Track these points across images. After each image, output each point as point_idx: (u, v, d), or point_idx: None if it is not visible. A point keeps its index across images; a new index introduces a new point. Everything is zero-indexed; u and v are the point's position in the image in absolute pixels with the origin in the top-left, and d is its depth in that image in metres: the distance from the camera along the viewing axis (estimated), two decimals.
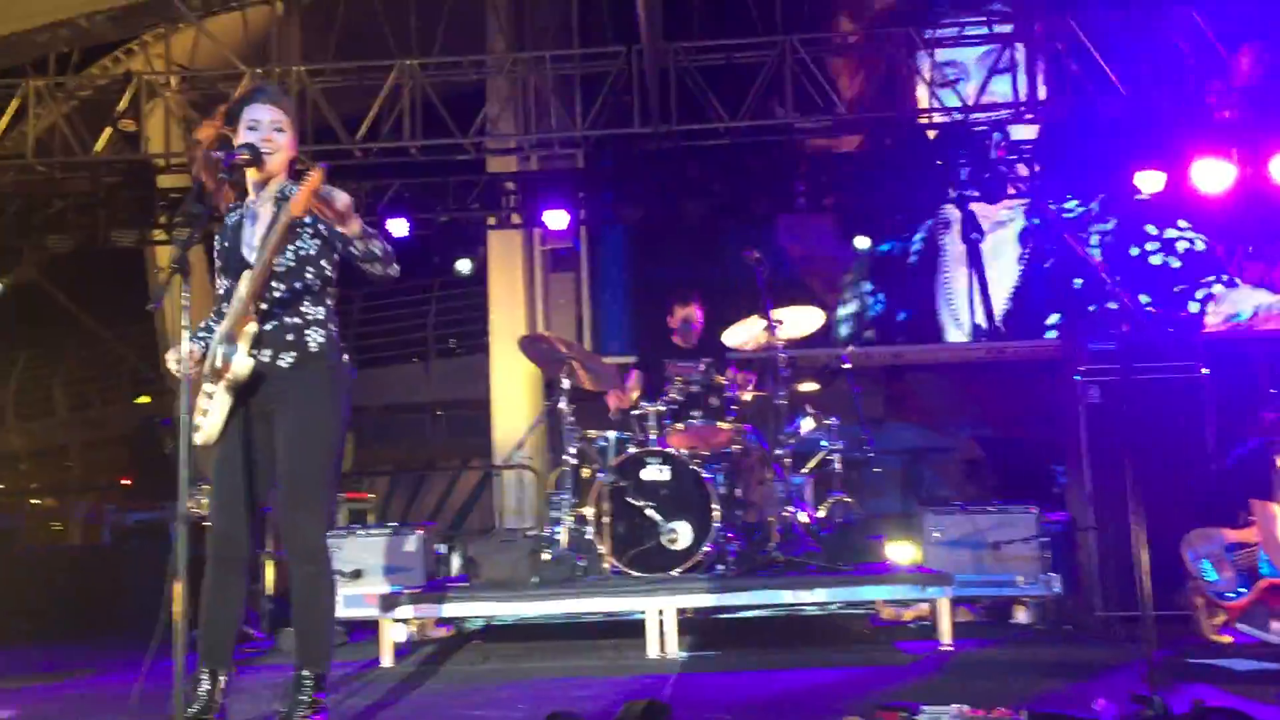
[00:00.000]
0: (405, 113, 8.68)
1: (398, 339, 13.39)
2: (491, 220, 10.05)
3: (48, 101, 9.01)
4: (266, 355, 3.64)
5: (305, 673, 3.67)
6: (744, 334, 6.98)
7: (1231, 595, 5.22)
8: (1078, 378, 6.56)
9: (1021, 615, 6.44)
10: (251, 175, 3.75)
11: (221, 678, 3.64)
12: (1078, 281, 9.84)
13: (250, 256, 3.65)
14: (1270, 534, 5.12)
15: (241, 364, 3.58)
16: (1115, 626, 5.66)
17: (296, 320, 3.68)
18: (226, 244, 3.77)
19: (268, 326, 3.64)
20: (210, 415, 3.63)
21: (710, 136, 8.77)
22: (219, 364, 3.60)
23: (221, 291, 3.76)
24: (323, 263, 3.73)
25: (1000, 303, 10.32)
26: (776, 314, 6.65)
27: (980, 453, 10.55)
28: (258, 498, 3.73)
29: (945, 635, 5.40)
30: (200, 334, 3.79)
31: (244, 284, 3.59)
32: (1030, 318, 10.13)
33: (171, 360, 3.64)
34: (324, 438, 3.68)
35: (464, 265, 10.54)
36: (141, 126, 9.01)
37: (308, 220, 3.61)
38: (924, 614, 6.21)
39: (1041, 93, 8.78)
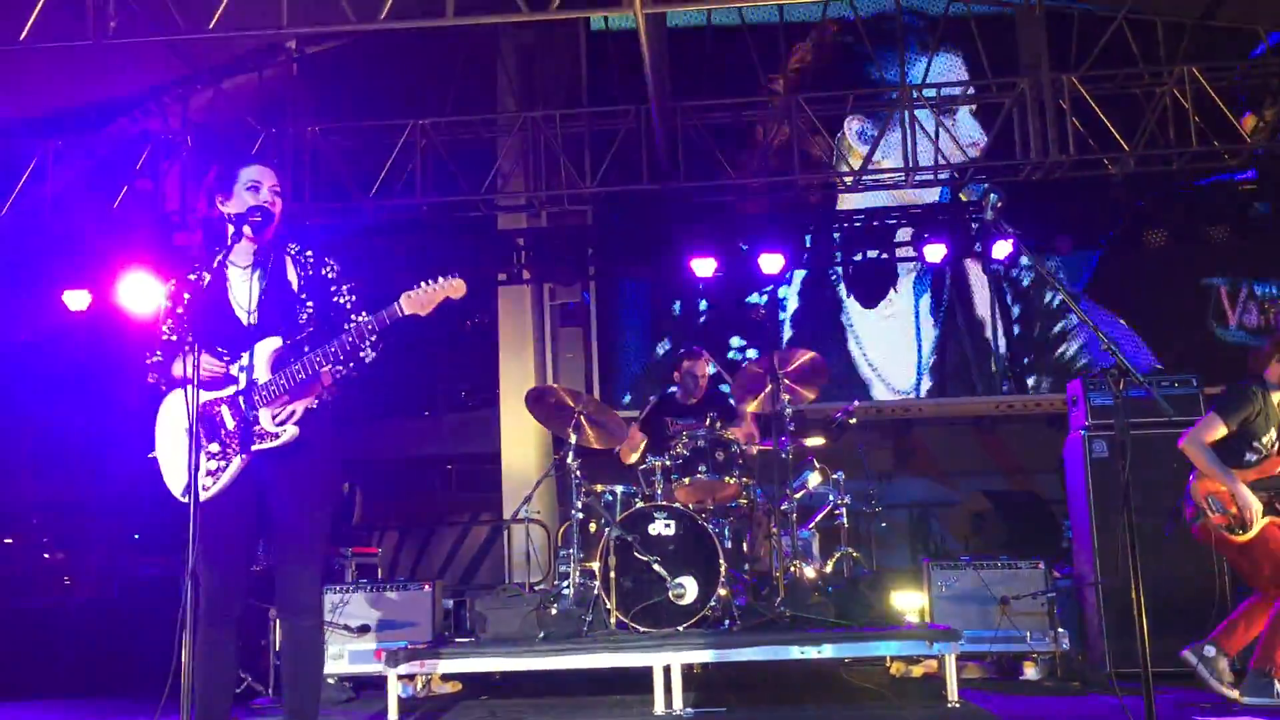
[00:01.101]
0: (417, 170, 8.82)
1: (408, 393, 13.45)
2: (502, 276, 10.16)
3: (66, 160, 9.17)
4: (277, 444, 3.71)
5: None
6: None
7: (1239, 530, 5.26)
8: (1083, 432, 6.59)
9: (1030, 671, 6.41)
10: (250, 236, 3.78)
11: None
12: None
13: (244, 319, 3.72)
14: None
15: (293, 432, 3.69)
16: (1120, 683, 5.62)
17: (316, 405, 3.80)
18: (209, 301, 3.76)
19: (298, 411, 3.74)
20: (218, 480, 3.67)
21: (718, 193, 8.91)
22: (240, 424, 3.65)
23: (213, 342, 3.72)
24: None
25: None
26: (776, 357, 6.70)
27: (988, 506, 10.52)
28: (250, 556, 3.78)
29: (953, 691, 5.39)
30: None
31: (268, 353, 3.67)
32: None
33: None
34: (324, 495, 3.76)
35: (474, 321, 10.65)
36: (158, 184, 9.16)
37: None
38: (933, 669, 6.19)
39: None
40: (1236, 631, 5.39)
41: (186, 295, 3.79)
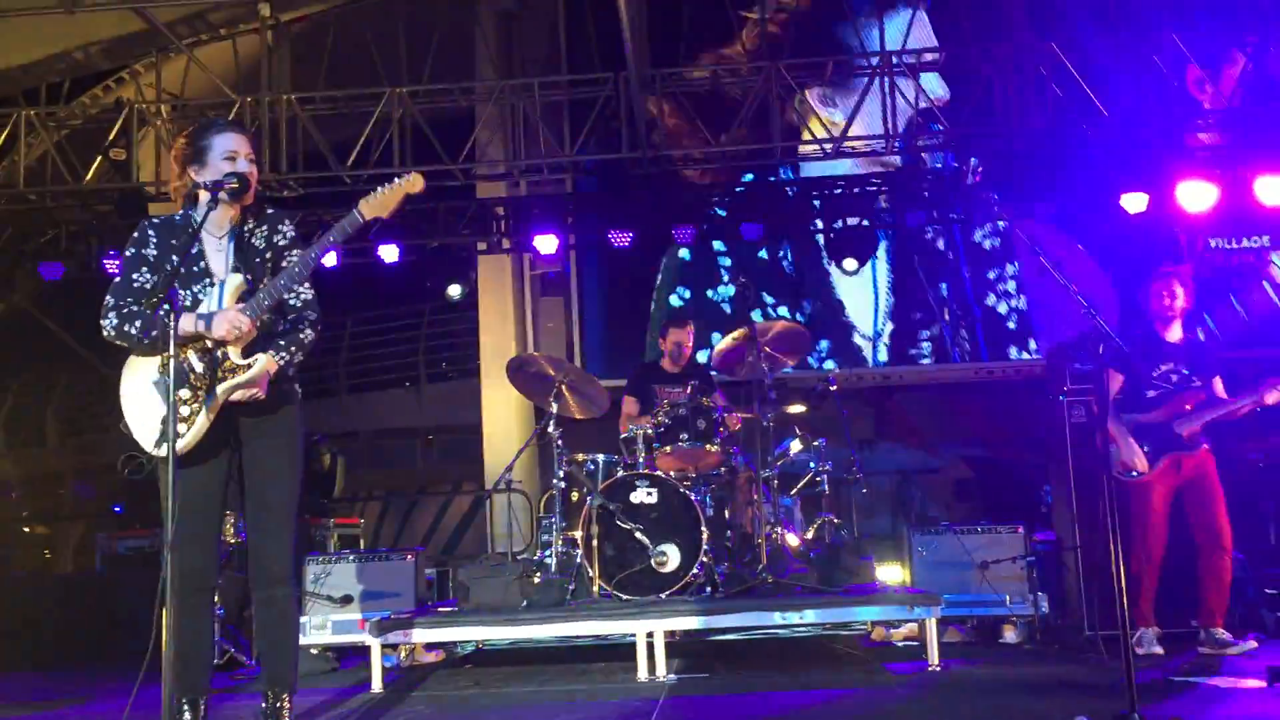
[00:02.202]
0: (395, 139, 8.75)
1: (389, 364, 13.41)
2: (482, 245, 10.12)
3: (39, 131, 9.07)
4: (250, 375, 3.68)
5: (282, 693, 3.74)
6: (729, 342, 7.04)
7: (1133, 475, 5.65)
8: (1062, 398, 6.63)
9: (1009, 634, 6.46)
10: (226, 202, 3.72)
11: (202, 706, 3.68)
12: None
13: (223, 275, 3.70)
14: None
15: (263, 361, 3.64)
16: (1100, 645, 5.69)
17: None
18: (174, 258, 3.67)
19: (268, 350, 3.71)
20: (190, 429, 3.63)
21: (697, 161, 8.89)
22: (209, 366, 3.62)
23: (168, 299, 3.54)
24: (304, 287, 3.80)
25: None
26: (761, 327, 6.72)
27: (968, 473, 10.59)
28: (222, 526, 3.78)
29: (933, 655, 5.43)
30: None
31: (235, 290, 3.64)
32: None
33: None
34: (295, 465, 3.75)
35: (454, 290, 10.57)
36: (132, 155, 9.07)
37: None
38: (913, 634, 6.23)
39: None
40: (1210, 602, 5.57)
41: (155, 253, 3.72)
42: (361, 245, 9.13)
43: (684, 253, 10.72)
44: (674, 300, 10.84)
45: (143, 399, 3.68)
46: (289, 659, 3.80)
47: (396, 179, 3.72)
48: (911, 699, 4.69)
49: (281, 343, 3.71)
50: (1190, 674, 5.00)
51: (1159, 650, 5.63)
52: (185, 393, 3.63)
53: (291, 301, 3.78)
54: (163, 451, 3.57)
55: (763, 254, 10.79)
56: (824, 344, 10.60)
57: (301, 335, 3.75)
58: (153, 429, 3.65)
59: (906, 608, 5.59)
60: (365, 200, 3.73)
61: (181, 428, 3.61)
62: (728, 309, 10.63)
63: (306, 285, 3.80)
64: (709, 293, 10.81)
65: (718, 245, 10.68)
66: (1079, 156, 8.84)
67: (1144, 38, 8.52)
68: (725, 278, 10.80)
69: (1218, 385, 5.72)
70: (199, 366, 3.64)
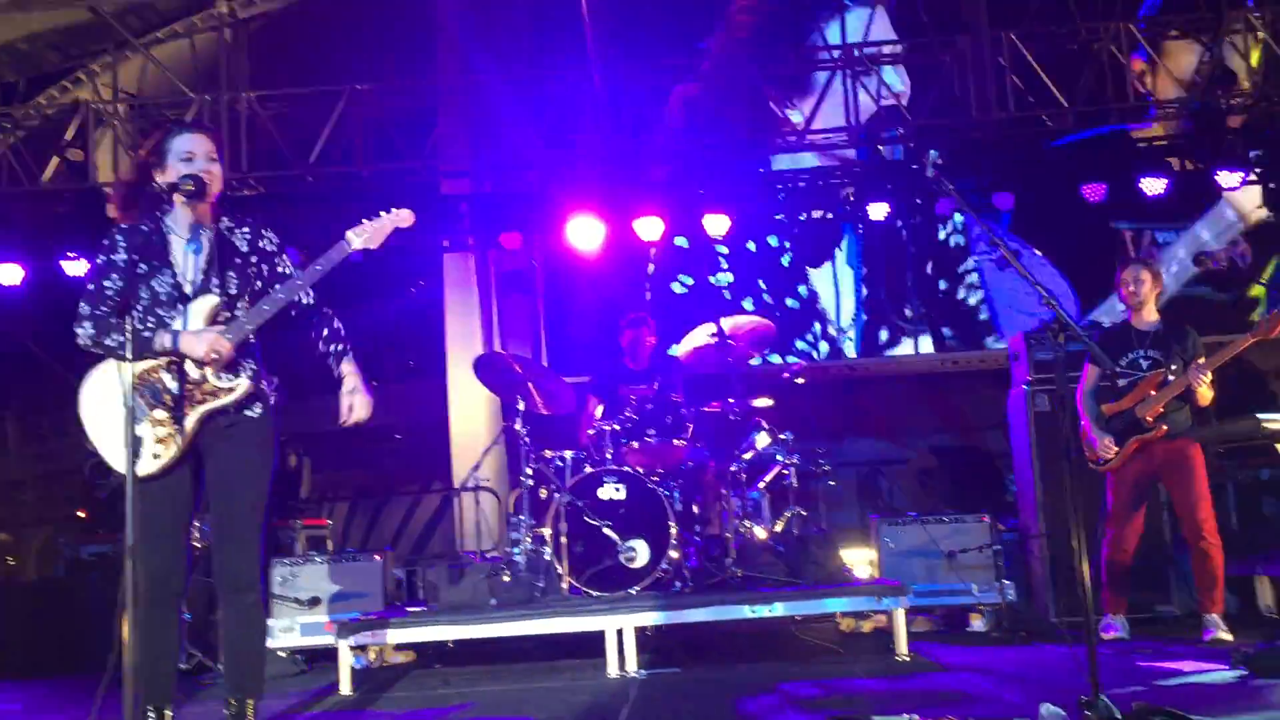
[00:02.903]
0: (356, 136, 8.68)
1: (354, 363, 13.29)
2: (446, 242, 10.06)
3: None
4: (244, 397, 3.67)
5: (247, 700, 3.71)
6: (693, 342, 7.06)
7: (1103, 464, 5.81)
8: (1026, 388, 6.68)
9: (977, 623, 6.52)
10: (189, 206, 3.70)
11: (167, 713, 3.65)
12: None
13: (187, 288, 3.66)
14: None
15: (245, 385, 3.62)
16: (1066, 631, 5.75)
17: (254, 366, 3.74)
18: (146, 268, 3.66)
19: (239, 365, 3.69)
20: (168, 448, 3.61)
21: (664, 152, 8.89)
22: (182, 385, 3.59)
23: (151, 318, 3.65)
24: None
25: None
26: (726, 322, 6.73)
27: (935, 463, 10.65)
28: (189, 533, 3.75)
29: (902, 645, 5.46)
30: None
31: (209, 311, 3.62)
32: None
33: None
34: (265, 473, 3.73)
35: (419, 287, 10.55)
36: (90, 155, 8.95)
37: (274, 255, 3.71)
38: (882, 624, 6.27)
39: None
40: (1203, 590, 5.62)
41: (125, 259, 3.68)
42: (324, 244, 9.05)
43: (681, 240, 10.70)
44: (676, 288, 10.82)
45: (109, 416, 3.64)
46: (254, 666, 3.77)
47: (385, 212, 3.74)
48: (879, 689, 4.72)
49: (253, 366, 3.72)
50: (1155, 658, 5.05)
51: (1126, 636, 5.69)
52: (161, 413, 3.62)
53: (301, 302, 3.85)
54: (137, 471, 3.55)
55: (751, 245, 10.80)
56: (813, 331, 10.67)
57: (329, 328, 3.90)
58: (111, 443, 3.64)
59: (875, 598, 5.62)
60: (354, 231, 3.77)
61: (159, 449, 3.61)
62: (729, 295, 10.65)
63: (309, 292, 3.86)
64: (710, 279, 10.82)
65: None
66: (1039, 148, 8.94)
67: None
68: (725, 264, 10.82)
69: (1192, 368, 5.75)
70: (173, 386, 3.61)
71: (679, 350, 7.25)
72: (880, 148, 9.74)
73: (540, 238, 9.96)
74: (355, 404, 3.91)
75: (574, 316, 10.83)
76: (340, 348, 3.92)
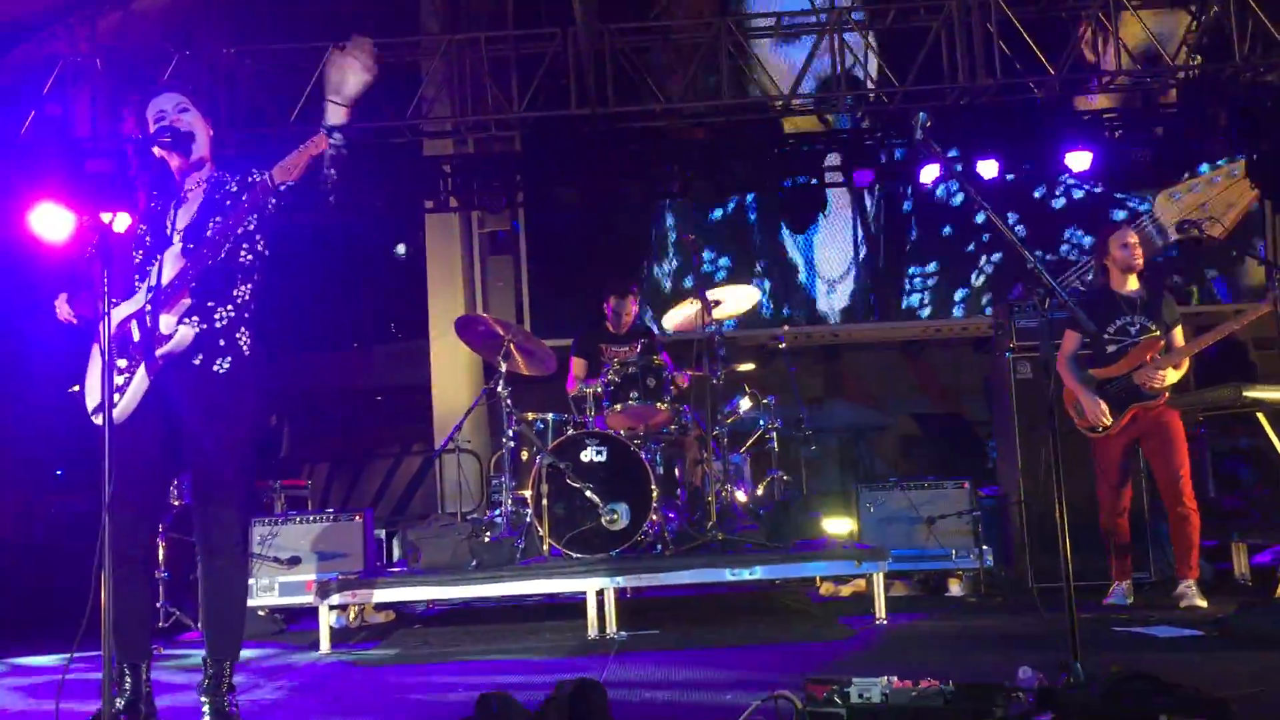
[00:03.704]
0: None
1: (335, 324, 13.24)
2: (429, 204, 9.99)
3: None
4: (199, 355, 3.62)
5: (223, 661, 3.69)
6: (681, 316, 7.05)
7: (1099, 430, 5.77)
8: (1009, 354, 6.69)
9: (955, 588, 6.57)
10: (175, 162, 3.73)
11: (143, 669, 3.63)
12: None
13: (174, 237, 3.63)
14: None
15: (184, 332, 3.57)
16: (1044, 597, 5.78)
17: (229, 312, 3.68)
18: (145, 227, 3.74)
19: (199, 316, 3.63)
20: (124, 395, 3.59)
21: (646, 119, 8.81)
22: (143, 334, 3.56)
23: (137, 274, 3.70)
24: (258, 238, 3.73)
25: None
26: (712, 294, 6.72)
27: (916, 429, 10.69)
28: (163, 491, 3.72)
29: (880, 609, 5.50)
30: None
31: (174, 259, 3.59)
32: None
33: (63, 304, 3.69)
34: (239, 431, 3.67)
35: (401, 249, 10.47)
36: (68, 109, 8.81)
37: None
38: (861, 589, 6.31)
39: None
40: (1179, 556, 5.68)
41: (140, 228, 3.73)
42: (307, 204, 8.98)
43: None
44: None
45: (92, 367, 3.74)
46: (231, 628, 3.75)
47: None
48: (858, 651, 4.74)
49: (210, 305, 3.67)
50: (1133, 624, 5.09)
51: (1129, 602, 5.71)
52: (123, 361, 3.63)
53: (242, 262, 3.74)
54: (98, 420, 3.58)
55: (716, 214, 10.74)
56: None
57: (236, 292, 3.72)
58: (93, 397, 3.71)
59: (854, 563, 5.65)
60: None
61: (116, 397, 3.58)
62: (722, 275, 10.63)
63: (256, 246, 3.75)
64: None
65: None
66: (1025, 115, 8.92)
67: None
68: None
69: (1177, 334, 5.77)
70: (136, 335, 3.60)
71: (667, 324, 7.24)
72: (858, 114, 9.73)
73: (524, 199, 9.90)
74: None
75: (557, 280, 10.78)
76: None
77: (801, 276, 10.70)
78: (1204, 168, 10.10)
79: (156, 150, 3.75)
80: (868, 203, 10.69)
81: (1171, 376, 5.62)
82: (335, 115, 3.63)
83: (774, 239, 10.74)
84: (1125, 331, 5.73)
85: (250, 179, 3.70)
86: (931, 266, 10.58)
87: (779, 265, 10.71)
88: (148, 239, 3.72)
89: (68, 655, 3.31)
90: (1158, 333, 5.66)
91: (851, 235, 10.73)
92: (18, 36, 9.21)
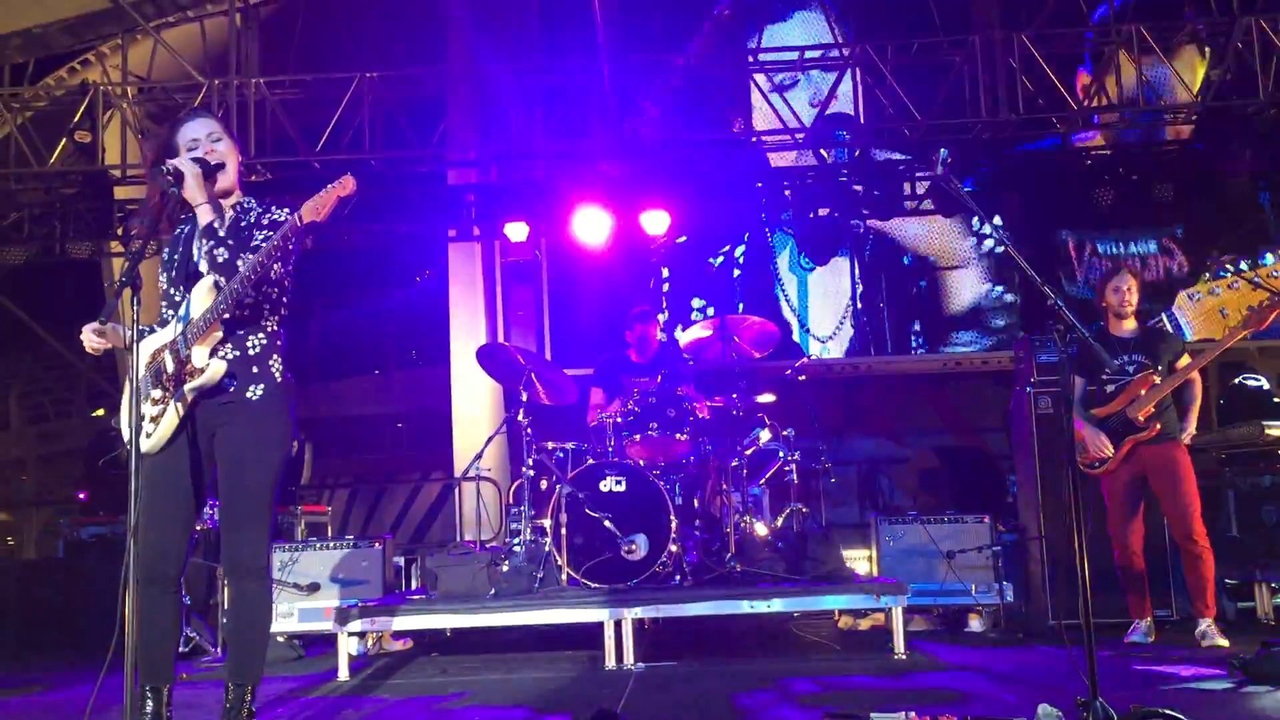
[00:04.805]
0: (365, 124, 8.68)
1: (358, 351, 13.32)
2: (452, 232, 10.07)
3: (2, 112, 8.95)
4: (231, 381, 3.67)
5: (246, 686, 3.70)
6: (694, 334, 7.08)
7: (1097, 465, 5.84)
8: (1029, 389, 6.68)
9: (975, 623, 6.53)
10: (203, 192, 3.72)
11: (165, 693, 3.65)
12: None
13: (200, 264, 3.68)
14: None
15: (217, 366, 3.62)
16: (1064, 633, 5.74)
17: (261, 340, 3.73)
18: (176, 255, 3.79)
19: (232, 344, 3.68)
20: (159, 425, 3.64)
21: (671, 149, 8.90)
22: (176, 366, 3.62)
23: (166, 301, 3.77)
24: (285, 271, 3.79)
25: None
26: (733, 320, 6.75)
27: (936, 462, 10.65)
28: (192, 515, 3.75)
29: (899, 643, 5.47)
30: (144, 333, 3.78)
31: (205, 292, 3.63)
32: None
33: (89, 335, 3.71)
34: (271, 456, 3.71)
35: (424, 276, 10.57)
36: (98, 138, 8.95)
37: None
38: (880, 622, 6.28)
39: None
40: (1195, 595, 5.64)
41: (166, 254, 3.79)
42: (334, 231, 9.09)
43: (682, 238, 10.72)
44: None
45: (128, 395, 3.74)
46: (254, 652, 3.77)
47: (330, 184, 3.69)
48: (877, 686, 4.72)
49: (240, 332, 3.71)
50: (1152, 662, 5.06)
51: (1150, 640, 5.68)
52: (158, 392, 3.68)
53: (270, 293, 3.78)
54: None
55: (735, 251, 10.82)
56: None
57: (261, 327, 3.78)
58: (128, 425, 3.73)
59: (873, 596, 5.62)
60: (305, 205, 3.70)
61: (150, 426, 3.66)
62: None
63: (284, 281, 3.81)
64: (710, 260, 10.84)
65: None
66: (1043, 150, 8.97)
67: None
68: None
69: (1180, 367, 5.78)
70: (170, 367, 3.65)
71: (681, 339, 7.27)
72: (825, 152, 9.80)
73: (546, 229, 9.96)
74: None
75: (578, 308, 10.83)
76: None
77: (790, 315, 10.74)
78: (1268, 258, 10.06)
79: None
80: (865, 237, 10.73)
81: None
82: (306, 216, 3.65)
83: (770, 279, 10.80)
84: (1123, 371, 5.78)
85: (274, 218, 3.74)
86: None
87: (792, 296, 10.75)
88: (175, 267, 3.77)
89: (97, 676, 3.33)
90: (1159, 368, 5.68)
91: (867, 270, 10.76)
92: (52, 64, 9.39)
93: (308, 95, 8.90)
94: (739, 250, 10.76)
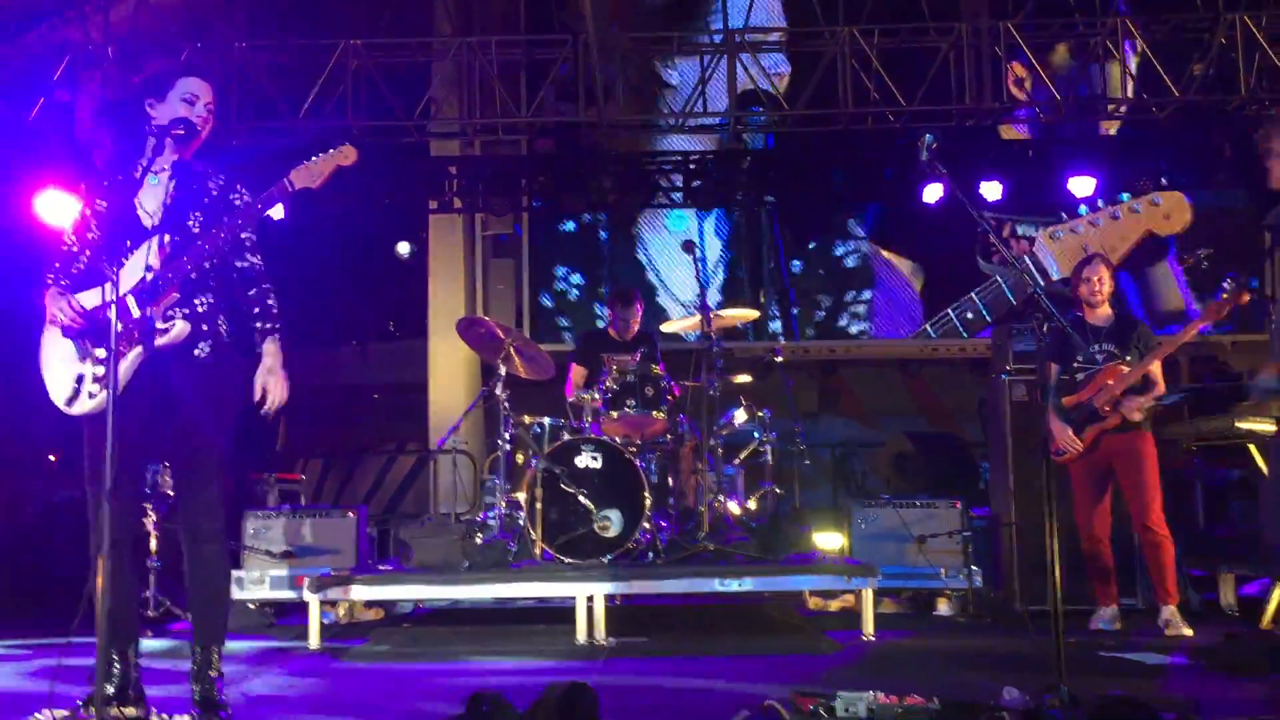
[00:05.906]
0: (348, 92, 8.60)
1: (335, 321, 13.25)
2: (433, 204, 10.02)
3: None
4: (183, 338, 3.62)
5: (211, 647, 3.70)
6: (681, 325, 7.11)
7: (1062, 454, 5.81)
8: (1004, 376, 6.72)
9: (944, 607, 6.59)
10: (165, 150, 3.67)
11: (131, 654, 3.65)
12: None
13: (147, 221, 3.62)
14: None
15: (180, 326, 3.58)
16: (1032, 619, 5.81)
17: (209, 299, 3.69)
18: (103, 201, 3.68)
19: (179, 303, 3.63)
20: (101, 392, 3.56)
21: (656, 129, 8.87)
22: (126, 325, 3.54)
23: (96, 253, 3.63)
24: (244, 237, 3.74)
25: None
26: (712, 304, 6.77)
27: (910, 447, 10.72)
28: (141, 476, 3.72)
29: (868, 625, 5.51)
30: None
31: (153, 253, 3.57)
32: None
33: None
34: (216, 417, 3.68)
35: (404, 248, 10.50)
36: (77, 96, 8.83)
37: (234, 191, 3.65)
38: (849, 604, 6.32)
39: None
40: (1156, 582, 5.71)
41: (98, 203, 3.68)
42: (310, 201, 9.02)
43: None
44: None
45: (57, 350, 3.65)
46: (215, 614, 3.76)
47: (331, 149, 3.65)
48: (845, 666, 4.77)
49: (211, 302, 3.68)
50: (1117, 649, 5.12)
51: (1115, 628, 5.75)
52: (102, 351, 3.59)
53: (240, 266, 3.74)
54: (73, 410, 3.59)
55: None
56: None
57: (261, 304, 3.76)
58: (62, 384, 3.63)
59: (844, 578, 5.67)
60: (296, 170, 3.66)
61: (94, 387, 3.58)
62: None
63: (254, 256, 3.76)
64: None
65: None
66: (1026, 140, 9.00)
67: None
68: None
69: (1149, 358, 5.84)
70: (118, 326, 3.57)
71: (668, 326, 7.30)
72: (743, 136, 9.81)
73: (528, 204, 9.94)
74: (270, 385, 3.73)
75: (559, 284, 10.82)
76: (269, 326, 3.76)
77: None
78: (1124, 196, 10.07)
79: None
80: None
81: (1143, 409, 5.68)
82: (297, 182, 3.62)
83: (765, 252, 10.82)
84: (1092, 360, 5.82)
85: (240, 197, 3.71)
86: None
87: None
88: (120, 221, 3.64)
89: (65, 639, 3.32)
90: (1129, 358, 5.73)
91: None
92: (30, 21, 9.24)
93: (290, 60, 8.79)
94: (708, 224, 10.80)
